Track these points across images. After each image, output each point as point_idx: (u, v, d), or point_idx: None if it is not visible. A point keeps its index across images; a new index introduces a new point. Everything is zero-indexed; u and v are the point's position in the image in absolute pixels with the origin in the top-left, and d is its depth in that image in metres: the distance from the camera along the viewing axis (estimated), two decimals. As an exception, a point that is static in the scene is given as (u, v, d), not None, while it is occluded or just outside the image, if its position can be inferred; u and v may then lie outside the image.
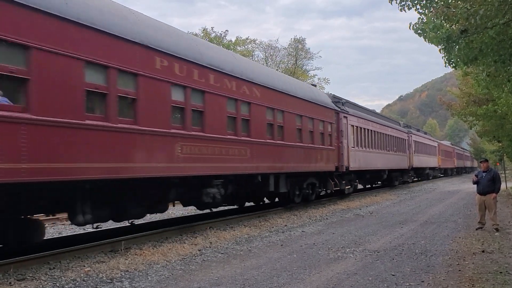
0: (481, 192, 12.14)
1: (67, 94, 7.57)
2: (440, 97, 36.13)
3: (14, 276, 7.00)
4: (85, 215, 8.57)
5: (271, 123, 14.43)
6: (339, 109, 20.82)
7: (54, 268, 7.61)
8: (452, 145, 72.37)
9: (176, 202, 12.65)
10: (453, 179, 55.59)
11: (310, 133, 17.29)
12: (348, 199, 21.64)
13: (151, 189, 10.18)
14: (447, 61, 9.83)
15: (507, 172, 45.12)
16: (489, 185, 12.04)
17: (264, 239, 10.77)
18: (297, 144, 16.14)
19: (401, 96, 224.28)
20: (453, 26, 9.01)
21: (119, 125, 8.59)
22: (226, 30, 78.13)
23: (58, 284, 6.69)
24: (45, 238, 9.41)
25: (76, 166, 7.71)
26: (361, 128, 23.90)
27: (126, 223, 11.72)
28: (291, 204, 16.97)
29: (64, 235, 12.06)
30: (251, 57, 42.88)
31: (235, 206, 16.42)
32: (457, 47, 9.29)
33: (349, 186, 22.05)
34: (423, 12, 9.02)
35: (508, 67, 10.19)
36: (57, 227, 13.85)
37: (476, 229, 11.80)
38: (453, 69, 11.11)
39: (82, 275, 7.18)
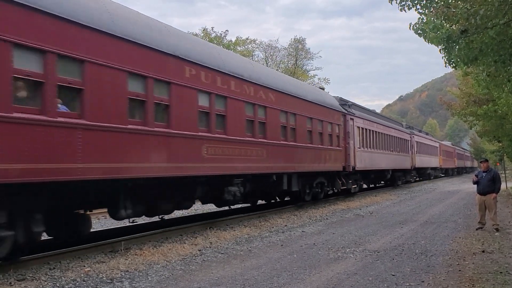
0: (481, 192, 12.13)
1: (114, 102, 8.49)
2: (441, 97, 36.10)
3: (14, 276, 7.00)
4: (127, 210, 9.42)
5: (285, 125, 15.33)
6: (346, 112, 21.74)
7: (54, 268, 7.61)
8: (453, 145, 72.74)
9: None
10: (453, 179, 55.61)
11: (319, 135, 18.18)
12: (348, 199, 21.64)
13: (180, 187, 11.08)
14: (447, 61, 9.83)
15: (507, 172, 45.10)
16: (489, 185, 12.04)
17: (264, 239, 10.77)
18: (308, 145, 17.01)
19: (401, 96, 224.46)
20: (453, 26, 9.01)
21: (155, 129, 9.49)
22: (226, 30, 78.13)
23: (58, 284, 6.69)
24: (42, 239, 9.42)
25: (121, 166, 8.61)
26: (366, 129, 24.72)
27: (126, 223, 11.73)
28: (301, 202, 17.74)
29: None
30: (251, 57, 42.87)
31: (248, 204, 17.19)
32: (457, 47, 9.29)
33: (355, 186, 22.98)
34: (423, 12, 9.01)
35: (508, 67, 10.19)
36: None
37: (476, 229, 11.80)
38: (453, 69, 11.12)
39: (82, 275, 7.18)
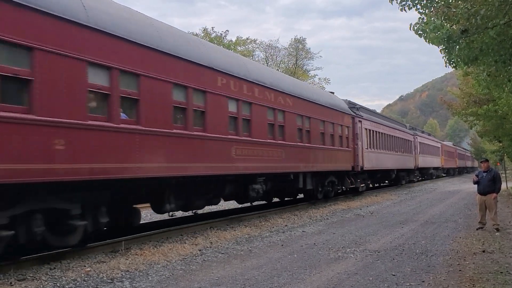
0: (482, 192, 12.13)
1: (162, 110, 9.68)
2: (441, 97, 36.09)
3: (15, 276, 7.00)
4: (170, 204, 10.66)
5: (301, 128, 16.59)
6: (354, 114, 23.04)
7: (54, 268, 7.60)
8: (454, 145, 73.11)
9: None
10: (453, 179, 55.62)
11: (331, 136, 19.48)
12: (349, 199, 21.65)
13: (212, 185, 12.25)
14: (447, 61, 9.83)
15: (507, 172, 45.09)
16: (489, 185, 12.04)
17: (265, 239, 10.78)
18: (321, 146, 18.29)
19: (401, 96, 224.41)
20: (454, 26, 9.00)
21: (194, 133, 10.69)
22: (227, 30, 78.18)
23: (58, 284, 6.69)
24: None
25: (167, 166, 9.76)
26: (373, 131, 25.98)
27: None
28: (314, 200, 18.95)
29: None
30: (251, 57, 42.87)
31: (264, 202, 18.10)
32: (457, 47, 9.29)
33: (363, 185, 24.29)
34: (423, 12, 9.01)
35: (509, 67, 10.18)
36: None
37: (477, 229, 11.80)
38: (454, 69, 11.11)
39: (82, 275, 7.18)
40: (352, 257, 8.53)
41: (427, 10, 8.92)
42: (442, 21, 8.76)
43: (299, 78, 35.78)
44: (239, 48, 43.02)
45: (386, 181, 32.90)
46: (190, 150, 10.51)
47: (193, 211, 12.76)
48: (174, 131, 9.99)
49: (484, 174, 12.23)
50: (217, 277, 7.10)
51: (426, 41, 9.32)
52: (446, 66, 10.01)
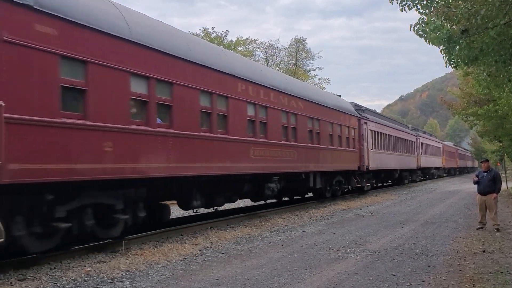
0: (482, 192, 12.13)
1: (191, 114, 10.66)
2: (441, 97, 36.09)
3: (15, 276, 7.00)
4: (197, 201, 11.59)
5: (311, 130, 17.54)
6: (360, 116, 24.03)
7: (55, 268, 7.60)
8: (455, 145, 73.53)
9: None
10: (453, 179, 55.64)
11: (338, 138, 20.43)
12: (348, 200, 21.66)
13: (232, 184, 13.12)
14: (447, 61, 9.83)
15: (507, 172, 45.07)
16: (489, 185, 12.04)
17: (265, 239, 10.78)
18: (329, 147, 19.25)
19: (401, 96, 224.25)
20: (454, 26, 9.00)
21: (218, 135, 11.62)
22: (227, 30, 78.11)
23: (59, 284, 6.70)
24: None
25: (195, 166, 10.70)
26: (378, 132, 26.92)
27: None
28: (323, 198, 19.84)
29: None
30: (251, 57, 42.86)
31: (274, 200, 18.91)
32: (457, 47, 9.29)
33: (368, 184, 25.37)
34: (423, 12, 9.01)
35: (509, 67, 10.19)
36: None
37: (477, 229, 11.80)
38: (454, 69, 11.11)
39: (83, 275, 7.18)
40: (352, 257, 8.53)
41: (427, 10, 8.93)
42: (442, 21, 8.76)
43: (299, 78, 35.79)
44: (239, 48, 42.99)
45: (389, 181, 33.62)
46: (214, 151, 11.45)
47: (214, 208, 13.66)
48: (201, 134, 10.97)
49: (484, 174, 12.23)
50: (217, 277, 7.10)
51: (426, 41, 9.32)
52: (446, 66, 10.02)
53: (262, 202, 17.12)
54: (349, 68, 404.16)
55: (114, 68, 8.47)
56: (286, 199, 19.76)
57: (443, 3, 8.76)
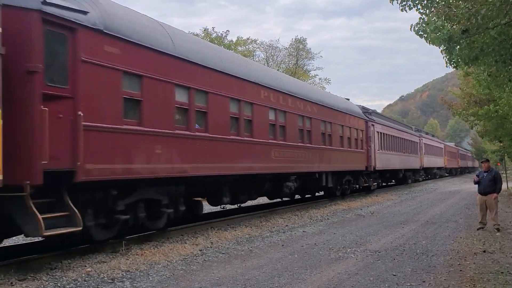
0: (482, 192, 12.12)
1: (222, 119, 11.88)
2: (442, 96, 36.09)
3: (15, 276, 7.00)
4: (226, 198, 12.69)
5: (324, 132, 18.74)
6: (367, 118, 25.31)
7: (55, 268, 7.61)
8: (456, 146, 74.11)
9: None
10: (454, 179, 55.66)
11: (348, 139, 21.63)
12: (349, 199, 21.65)
13: (255, 182, 14.28)
14: (448, 62, 9.83)
15: (508, 172, 45.06)
16: (490, 185, 12.03)
17: (265, 239, 10.78)
18: (340, 148, 20.46)
19: (402, 96, 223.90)
20: (454, 26, 9.00)
21: (245, 138, 12.86)
22: (227, 30, 77.98)
23: (59, 284, 6.70)
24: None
25: (226, 166, 11.92)
26: (384, 133, 28.15)
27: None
28: (333, 197, 20.96)
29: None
30: (252, 57, 42.84)
31: (288, 198, 19.75)
32: (458, 47, 9.29)
33: (375, 183, 26.51)
34: (424, 12, 9.00)
35: (509, 67, 10.19)
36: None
37: (477, 229, 11.79)
38: (454, 69, 11.11)
39: (83, 275, 7.18)
40: (353, 257, 8.53)
41: (427, 10, 8.92)
42: (442, 21, 8.76)
43: (299, 78, 35.78)
44: (239, 48, 42.92)
45: (393, 181, 34.49)
46: (241, 153, 12.67)
47: (238, 204, 14.92)
48: (231, 137, 12.20)
49: (485, 174, 12.22)
50: (217, 277, 7.10)
51: (426, 41, 9.32)
52: (446, 66, 10.03)
53: (259, 201, 17.62)
54: (349, 68, 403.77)
55: (162, 80, 9.72)
56: (298, 197, 20.64)
57: (443, 3, 8.75)
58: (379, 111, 39.96)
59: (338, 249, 9.38)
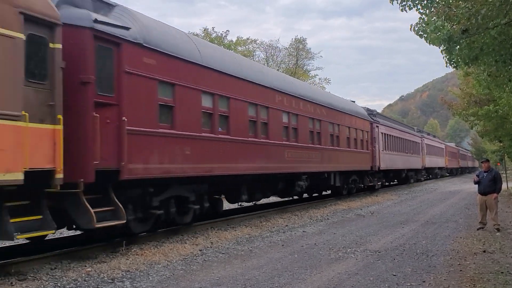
0: (482, 192, 12.12)
1: (242, 122, 12.84)
2: (442, 96, 36.10)
3: (15, 276, 7.00)
4: (245, 196, 13.63)
5: (332, 134, 19.75)
6: (372, 120, 26.25)
7: (55, 268, 7.61)
8: (457, 146, 74.57)
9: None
10: (454, 179, 55.68)
11: (354, 140, 22.54)
12: (349, 199, 21.65)
13: (269, 181, 15.22)
14: (448, 62, 9.83)
15: (508, 172, 45.07)
16: (490, 185, 12.03)
17: (265, 239, 10.78)
18: (347, 149, 21.42)
19: (402, 96, 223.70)
20: (454, 26, 8.99)
21: (262, 140, 13.81)
22: (227, 30, 77.93)
23: (59, 284, 6.70)
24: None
25: (243, 166, 12.76)
26: (388, 134, 29.06)
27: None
28: (340, 196, 21.80)
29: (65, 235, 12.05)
30: (252, 57, 42.83)
31: (297, 197, 20.80)
32: (458, 47, 9.28)
33: (379, 183, 27.54)
34: (424, 12, 9.00)
35: (509, 67, 10.19)
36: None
37: (477, 229, 11.80)
38: (454, 69, 11.11)
39: (83, 275, 7.18)
40: (353, 257, 8.53)
41: (427, 11, 8.91)
42: (442, 21, 8.75)
43: (299, 78, 35.79)
44: (239, 48, 42.92)
45: (396, 180, 35.00)
46: (258, 154, 13.59)
47: (253, 202, 16.02)
48: (250, 139, 13.15)
49: (485, 174, 12.22)
50: (217, 277, 7.10)
51: (426, 41, 9.32)
52: (446, 66, 10.03)
53: (262, 201, 17.67)
54: (349, 68, 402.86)
55: (191, 87, 10.68)
56: (306, 196, 21.44)
57: (443, 3, 8.75)
58: (379, 111, 39.93)
59: (338, 249, 9.38)
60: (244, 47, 44.16)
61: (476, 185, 12.48)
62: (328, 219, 14.73)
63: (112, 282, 6.84)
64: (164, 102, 9.87)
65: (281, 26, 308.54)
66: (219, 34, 41.56)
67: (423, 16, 9.09)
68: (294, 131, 16.15)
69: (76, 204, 7.85)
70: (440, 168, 54.04)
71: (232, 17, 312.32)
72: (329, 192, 22.60)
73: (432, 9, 8.82)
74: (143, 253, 8.74)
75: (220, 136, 11.72)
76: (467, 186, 33.70)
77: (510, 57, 9.40)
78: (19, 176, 6.65)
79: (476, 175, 12.53)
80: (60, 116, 7.35)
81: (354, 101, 26.35)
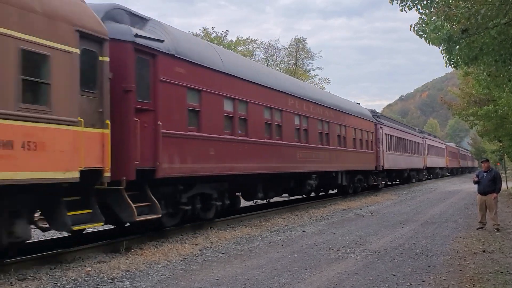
0: (482, 192, 12.12)
1: (259, 125, 13.82)
2: (442, 96, 36.12)
3: (15, 276, 6.99)
4: (260, 194, 14.52)
5: (339, 135, 20.68)
6: (376, 121, 27.15)
7: (55, 268, 7.60)
8: (457, 146, 74.94)
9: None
10: (454, 179, 55.70)
11: (360, 141, 23.45)
12: (348, 199, 21.66)
13: (282, 180, 16.03)
14: (447, 61, 9.83)
15: (507, 172, 45.08)
16: (489, 185, 12.03)
17: (265, 239, 10.78)
18: (353, 149, 22.34)
19: (402, 96, 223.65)
20: (454, 26, 8.99)
21: (276, 141, 14.70)
22: (227, 30, 77.88)
23: (59, 284, 6.70)
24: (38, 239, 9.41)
25: (260, 165, 13.59)
26: (391, 135, 29.90)
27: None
28: (346, 194, 22.58)
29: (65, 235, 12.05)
30: (251, 57, 42.80)
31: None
32: (457, 47, 9.28)
33: (383, 182, 28.43)
34: (423, 12, 9.00)
35: (509, 67, 10.20)
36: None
37: (477, 229, 11.80)
38: (454, 69, 11.11)
39: (83, 275, 7.18)
40: (353, 257, 8.53)
41: (427, 10, 8.92)
42: (442, 21, 8.75)
43: (299, 78, 35.79)
44: (239, 48, 42.90)
45: (397, 180, 35.59)
46: (273, 154, 14.47)
47: (266, 200, 16.62)
48: (266, 140, 14.06)
49: (485, 174, 12.22)
50: (217, 277, 7.10)
51: (426, 41, 9.31)
52: (446, 66, 10.03)
53: (264, 200, 17.79)
54: (349, 68, 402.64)
55: (215, 93, 11.61)
56: (313, 194, 21.88)
57: (443, 3, 8.75)
58: (378, 111, 39.99)
59: (337, 249, 9.38)
60: (243, 47, 44.14)
61: (476, 185, 12.48)
62: (328, 219, 14.74)
63: (112, 282, 6.84)
64: (192, 107, 10.75)
65: (281, 26, 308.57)
66: (219, 34, 41.56)
67: (423, 16, 9.09)
68: (305, 132, 17.00)
69: (119, 200, 8.69)
70: (441, 168, 54.68)
71: (232, 17, 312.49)
72: (335, 191, 23.35)
73: (432, 9, 8.82)
74: (143, 253, 8.75)
75: (239, 137, 12.60)
76: (467, 186, 33.72)
77: (509, 57, 9.40)
78: (76, 175, 7.52)
79: (476, 175, 12.54)
80: (108, 121, 8.22)
81: (359, 103, 27.05)
